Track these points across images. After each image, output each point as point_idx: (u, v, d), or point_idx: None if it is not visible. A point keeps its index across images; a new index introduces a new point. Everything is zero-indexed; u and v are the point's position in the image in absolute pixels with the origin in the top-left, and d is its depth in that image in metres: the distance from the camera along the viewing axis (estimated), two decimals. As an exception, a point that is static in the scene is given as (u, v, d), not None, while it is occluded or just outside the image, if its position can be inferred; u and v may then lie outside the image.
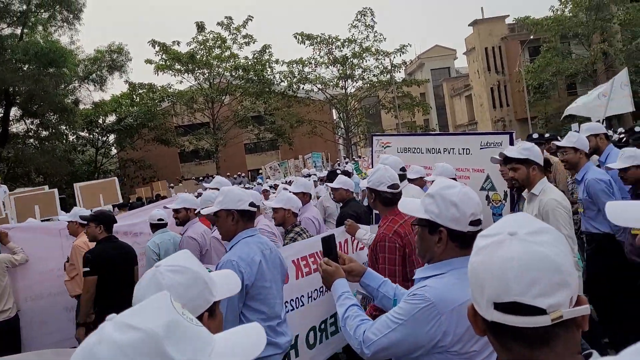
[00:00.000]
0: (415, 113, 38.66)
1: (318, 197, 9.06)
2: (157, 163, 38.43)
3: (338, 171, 11.51)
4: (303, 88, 36.26)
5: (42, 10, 30.94)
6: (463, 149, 5.78)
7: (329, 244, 2.46)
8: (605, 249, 4.35)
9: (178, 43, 34.56)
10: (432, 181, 4.88)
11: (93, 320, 4.86)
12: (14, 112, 31.52)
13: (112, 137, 38.38)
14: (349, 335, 2.06)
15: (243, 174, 33.72)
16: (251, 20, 34.95)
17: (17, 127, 32.62)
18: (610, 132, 11.15)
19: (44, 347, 5.20)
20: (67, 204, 13.62)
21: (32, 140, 32.72)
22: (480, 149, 5.56)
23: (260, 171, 27.56)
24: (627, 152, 4.24)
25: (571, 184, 5.89)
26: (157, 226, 5.76)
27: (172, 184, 27.51)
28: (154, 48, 33.94)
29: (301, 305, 4.30)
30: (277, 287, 3.23)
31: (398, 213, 3.32)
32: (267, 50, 35.23)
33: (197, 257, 1.74)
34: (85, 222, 5.37)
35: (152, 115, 35.25)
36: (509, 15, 45.04)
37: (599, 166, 4.96)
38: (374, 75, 36.79)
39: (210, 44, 35.13)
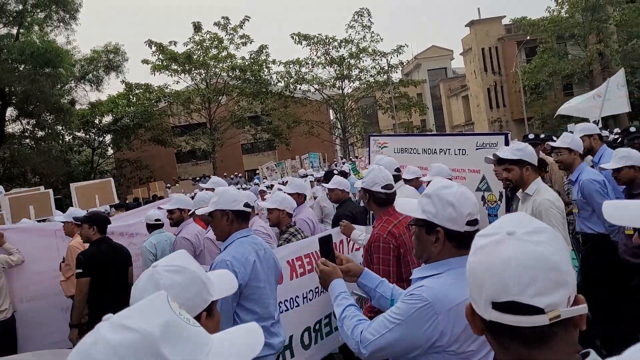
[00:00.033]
0: (412, 113, 38.67)
1: (315, 198, 9.07)
2: (154, 163, 38.37)
3: (335, 171, 11.50)
4: (300, 88, 36.25)
5: (38, 10, 30.88)
6: (459, 149, 5.81)
7: (326, 244, 2.47)
8: (599, 249, 4.37)
9: (175, 43, 34.59)
10: (428, 182, 4.90)
11: (86, 322, 4.85)
12: (10, 112, 31.45)
13: (108, 138, 38.33)
14: (346, 335, 2.06)
15: (240, 175, 33.69)
16: (248, 20, 34.98)
17: (13, 128, 32.59)
18: (606, 133, 11.20)
19: (41, 348, 5.20)
20: (64, 205, 13.58)
21: (28, 140, 32.66)
22: (476, 149, 5.59)
23: (257, 171, 27.52)
24: (621, 152, 4.25)
25: (567, 185, 5.91)
26: (154, 226, 5.74)
27: (168, 185, 27.48)
28: (151, 48, 33.99)
29: (296, 306, 4.30)
30: (271, 287, 3.24)
31: (392, 213, 3.33)
32: (264, 51, 35.24)
33: (191, 257, 1.74)
34: (80, 223, 5.36)
35: (148, 116, 35.22)
36: (505, 16, 45.17)
37: (592, 167, 4.97)
38: (370, 75, 36.83)
39: (207, 44, 35.10)
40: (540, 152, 6.87)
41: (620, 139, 9.31)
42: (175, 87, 36.27)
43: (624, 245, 4.11)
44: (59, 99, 30.89)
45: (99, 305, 4.75)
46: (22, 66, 28.74)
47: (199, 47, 34.98)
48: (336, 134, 39.96)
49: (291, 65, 35.75)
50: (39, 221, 8.04)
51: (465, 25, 45.60)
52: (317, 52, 36.05)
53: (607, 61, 36.64)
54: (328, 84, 36.60)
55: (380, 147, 6.61)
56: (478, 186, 5.47)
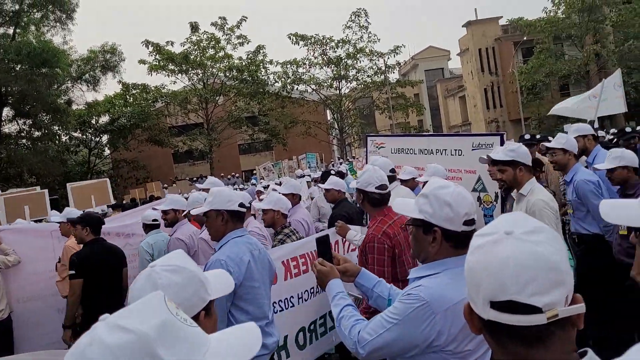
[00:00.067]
0: (409, 114, 38.71)
1: (312, 198, 9.07)
2: (151, 164, 38.25)
3: (332, 172, 11.50)
4: (297, 89, 36.21)
5: (35, 10, 30.79)
6: (455, 150, 5.82)
7: (323, 244, 2.47)
8: (594, 249, 4.39)
9: (172, 43, 34.47)
10: (424, 182, 4.91)
11: (80, 323, 4.84)
12: (6, 112, 31.29)
13: (105, 138, 38.14)
14: (343, 335, 2.06)
15: (237, 175, 33.63)
16: (245, 20, 34.88)
17: (9, 128, 32.38)
18: (602, 133, 11.24)
19: (38, 349, 5.20)
20: (60, 205, 13.56)
21: (24, 140, 32.49)
22: (472, 150, 5.60)
23: (254, 172, 27.50)
24: (614, 152, 4.26)
25: (563, 185, 5.93)
26: (151, 227, 5.72)
27: (166, 185, 27.43)
28: (148, 48, 33.86)
29: (291, 306, 4.29)
30: (266, 287, 3.26)
31: (387, 214, 3.34)
32: (261, 51, 35.16)
33: (185, 258, 1.74)
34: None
35: (145, 116, 35.08)
36: (502, 17, 45.23)
37: (586, 167, 4.99)
38: (368, 76, 36.80)
39: (204, 45, 35.02)
40: (536, 152, 6.89)
41: (615, 140, 9.34)
42: (173, 88, 36.23)
43: (618, 245, 4.13)
44: (56, 99, 30.75)
45: (92, 306, 4.74)
46: (19, 66, 28.64)
47: (196, 47, 34.90)
48: (333, 135, 39.96)
49: (288, 66, 35.72)
50: (35, 221, 8.04)
51: (462, 26, 45.71)
52: (314, 53, 36.06)
53: (603, 62, 36.74)
54: (325, 84, 36.58)
55: (377, 147, 6.62)
56: (474, 187, 5.49)
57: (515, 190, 3.76)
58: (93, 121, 36.67)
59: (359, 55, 35.80)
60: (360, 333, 1.96)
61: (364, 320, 2.06)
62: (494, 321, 1.06)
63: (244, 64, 34.84)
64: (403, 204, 2.10)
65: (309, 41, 35.48)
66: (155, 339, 0.92)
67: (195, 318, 1.48)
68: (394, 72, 38.16)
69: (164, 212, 5.54)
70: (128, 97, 35.82)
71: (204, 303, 1.53)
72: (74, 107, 35.62)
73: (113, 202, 11.07)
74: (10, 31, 30.27)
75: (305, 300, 4.43)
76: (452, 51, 58.36)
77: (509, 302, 1.02)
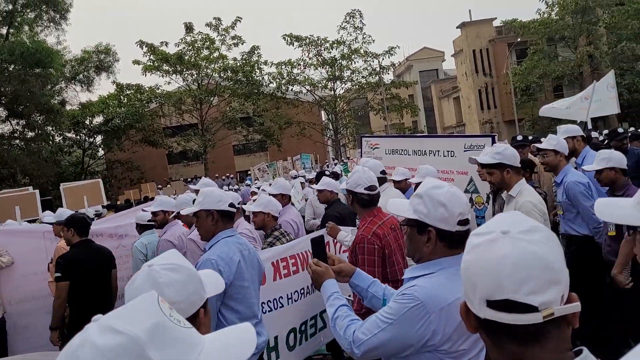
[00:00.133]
0: (404, 115, 38.76)
1: (306, 199, 9.07)
2: (145, 164, 38.14)
3: (327, 172, 11.50)
4: (292, 89, 36.23)
5: (28, 10, 30.68)
6: (447, 151, 5.86)
7: (318, 244, 2.48)
8: (584, 250, 4.41)
9: (166, 44, 34.44)
10: (417, 183, 4.94)
11: (67, 324, 4.82)
12: (-1, 112, 31.22)
13: (99, 138, 38.02)
14: (338, 335, 2.07)
15: (231, 176, 33.59)
16: (240, 21, 34.90)
17: (2, 128, 32.23)
18: (595, 134, 11.30)
19: (31, 350, 5.19)
20: (54, 206, 13.51)
21: (17, 141, 32.32)
22: (464, 151, 5.63)
23: (249, 172, 27.47)
24: (602, 154, 4.28)
25: (555, 186, 5.97)
26: (145, 227, 5.70)
27: (160, 186, 27.36)
28: (142, 49, 33.78)
29: (280, 307, 4.29)
30: (255, 287, 3.27)
31: (376, 214, 3.35)
32: (255, 52, 35.17)
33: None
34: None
35: (139, 117, 34.99)
36: (496, 18, 45.24)
37: (576, 168, 5.02)
38: (362, 76, 36.91)
39: (199, 45, 34.98)
40: (529, 153, 6.92)
41: (607, 141, 9.39)
42: (167, 88, 36.15)
43: (607, 246, 4.16)
44: (49, 100, 30.64)
45: (79, 308, 4.71)
46: (12, 66, 28.48)
47: (190, 47, 34.85)
48: (328, 135, 39.97)
49: (283, 66, 35.76)
50: (28, 221, 8.01)
51: (457, 27, 45.75)
52: (309, 53, 36.10)
53: (597, 63, 36.89)
54: (320, 85, 36.63)
55: (371, 148, 6.65)
56: (466, 188, 5.51)
57: (505, 192, 3.78)
58: (87, 122, 36.57)
59: (353, 56, 35.87)
60: (355, 333, 1.97)
61: (359, 320, 2.06)
62: (490, 320, 1.06)
63: (238, 64, 34.83)
64: (397, 204, 2.11)
65: (304, 42, 35.54)
66: (146, 342, 0.92)
67: (196, 316, 1.49)
68: (388, 73, 38.37)
69: (154, 214, 5.51)
70: (122, 97, 35.71)
71: (202, 301, 1.54)
72: (68, 107, 35.52)
73: (106, 202, 11.04)
74: (4, 31, 30.16)
75: (295, 301, 4.41)
76: (447, 52, 58.68)
77: (505, 301, 1.03)
